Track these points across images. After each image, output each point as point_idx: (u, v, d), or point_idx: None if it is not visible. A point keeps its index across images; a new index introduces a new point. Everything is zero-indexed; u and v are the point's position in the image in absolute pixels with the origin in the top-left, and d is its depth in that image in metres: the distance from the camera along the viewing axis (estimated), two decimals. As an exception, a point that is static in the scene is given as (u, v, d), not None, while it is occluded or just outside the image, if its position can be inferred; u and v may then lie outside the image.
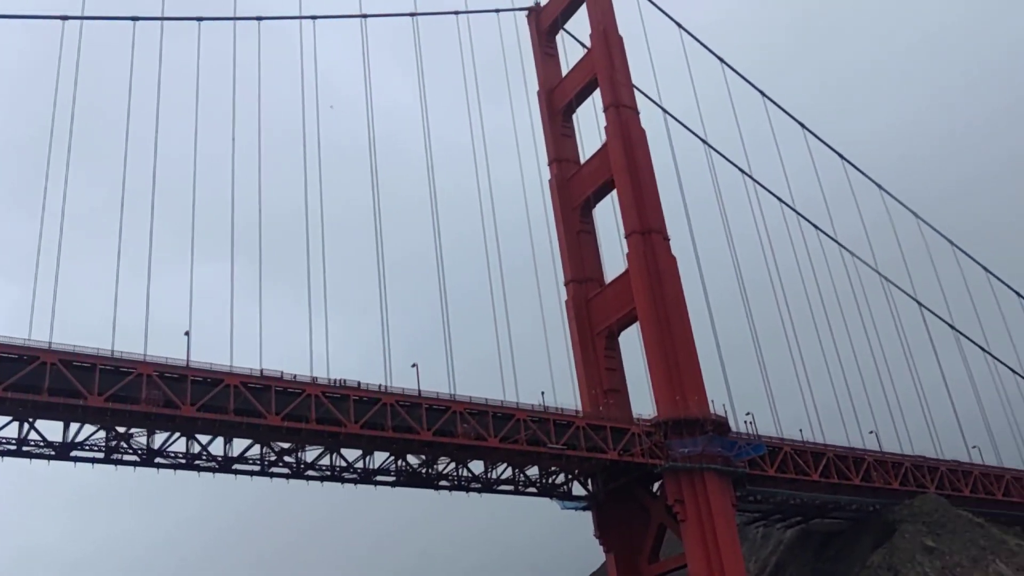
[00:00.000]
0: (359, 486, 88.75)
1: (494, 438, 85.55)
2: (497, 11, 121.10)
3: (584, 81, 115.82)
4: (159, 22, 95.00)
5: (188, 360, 75.81)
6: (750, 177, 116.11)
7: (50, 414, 72.63)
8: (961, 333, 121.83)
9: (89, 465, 77.82)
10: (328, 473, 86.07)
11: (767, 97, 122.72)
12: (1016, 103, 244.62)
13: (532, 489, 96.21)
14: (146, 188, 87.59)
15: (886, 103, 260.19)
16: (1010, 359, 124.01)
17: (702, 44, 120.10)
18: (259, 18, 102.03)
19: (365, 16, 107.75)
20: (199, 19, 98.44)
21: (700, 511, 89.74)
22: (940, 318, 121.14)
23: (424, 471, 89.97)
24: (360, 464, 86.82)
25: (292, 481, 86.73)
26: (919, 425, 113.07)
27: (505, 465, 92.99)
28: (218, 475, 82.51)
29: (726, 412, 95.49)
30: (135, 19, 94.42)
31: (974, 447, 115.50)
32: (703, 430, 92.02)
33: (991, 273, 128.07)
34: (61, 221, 77.53)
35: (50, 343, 71.66)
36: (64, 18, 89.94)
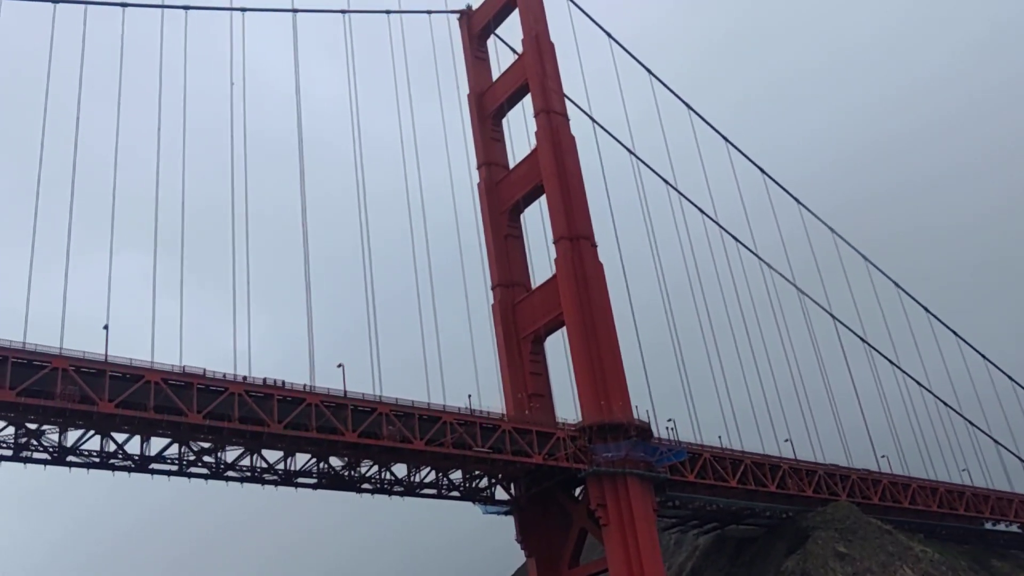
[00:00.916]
0: (280, 488, 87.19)
1: (420, 440, 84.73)
2: (429, 12, 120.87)
3: (515, 86, 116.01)
4: (81, 6, 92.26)
5: (106, 355, 73.23)
6: (674, 189, 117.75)
7: (-44, 408, 69.38)
8: (872, 347, 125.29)
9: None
10: (248, 474, 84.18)
11: (692, 109, 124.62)
12: (927, 120, 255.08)
13: (455, 493, 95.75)
14: (61, 176, 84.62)
15: (809, 115, 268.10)
16: (917, 371, 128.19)
17: (630, 54, 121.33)
18: (186, 7, 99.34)
19: (296, 11, 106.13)
20: (123, 4, 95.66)
21: (622, 516, 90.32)
22: (852, 331, 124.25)
23: (346, 474, 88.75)
24: (281, 466, 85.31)
25: (210, 482, 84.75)
26: (831, 434, 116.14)
27: (428, 468, 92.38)
28: (127, 474, 79.84)
29: (648, 418, 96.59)
30: (56, 1, 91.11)
31: (883, 456, 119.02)
32: (627, 435, 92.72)
33: (901, 288, 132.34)
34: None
35: (-43, 334, 68.67)
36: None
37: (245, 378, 78.51)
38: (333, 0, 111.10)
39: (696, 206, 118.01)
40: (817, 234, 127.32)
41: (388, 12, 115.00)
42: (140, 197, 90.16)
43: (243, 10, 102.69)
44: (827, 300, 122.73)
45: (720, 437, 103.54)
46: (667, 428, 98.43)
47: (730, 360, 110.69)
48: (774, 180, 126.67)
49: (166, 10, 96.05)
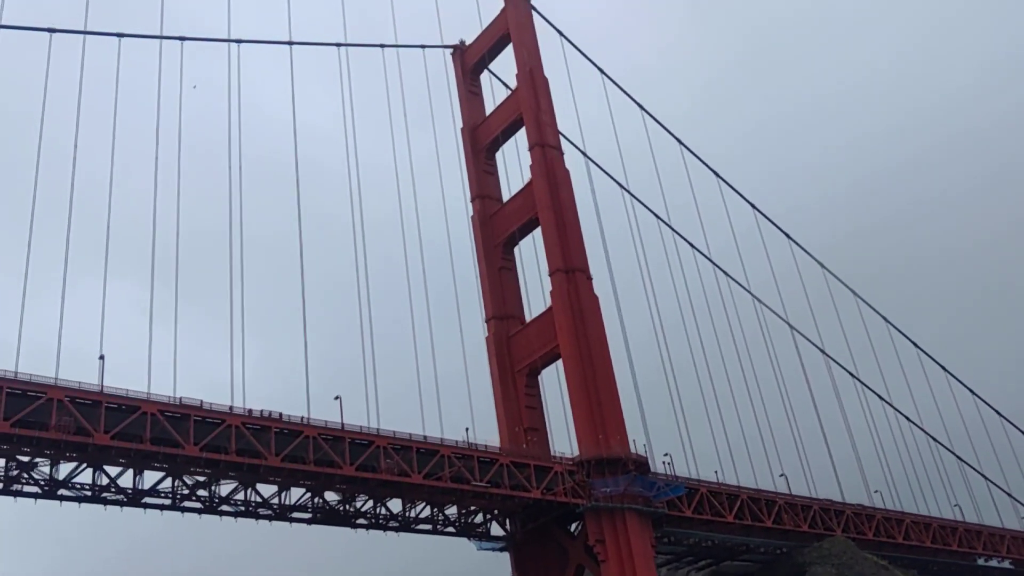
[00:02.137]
0: (273, 523, 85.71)
1: (418, 474, 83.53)
2: (423, 47, 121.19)
3: (509, 120, 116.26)
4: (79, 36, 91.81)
5: (102, 385, 71.83)
6: (667, 225, 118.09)
7: (-53, 440, 67.68)
8: (863, 383, 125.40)
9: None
10: (243, 509, 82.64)
11: (683, 145, 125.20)
12: (917, 153, 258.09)
13: (450, 529, 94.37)
14: (54, 204, 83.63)
15: (801, 151, 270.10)
16: (907, 406, 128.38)
17: (623, 90, 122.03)
18: (182, 38, 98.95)
19: (292, 43, 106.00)
20: (119, 35, 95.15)
21: (621, 552, 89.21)
22: (844, 368, 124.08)
23: (342, 508, 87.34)
24: (276, 500, 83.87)
25: (202, 515, 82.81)
26: (823, 469, 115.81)
27: (424, 504, 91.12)
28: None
29: (645, 452, 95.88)
30: (52, 31, 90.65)
31: (876, 492, 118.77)
32: (625, 469, 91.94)
33: (891, 324, 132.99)
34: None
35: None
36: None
37: (250, 411, 77.19)
38: (329, 33, 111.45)
39: (688, 242, 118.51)
40: (808, 269, 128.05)
41: (383, 46, 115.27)
42: (133, 226, 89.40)
43: (239, 41, 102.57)
44: (819, 336, 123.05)
45: (716, 472, 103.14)
46: (663, 463, 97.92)
47: (723, 395, 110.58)
48: (765, 216, 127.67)
49: (164, 41, 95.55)
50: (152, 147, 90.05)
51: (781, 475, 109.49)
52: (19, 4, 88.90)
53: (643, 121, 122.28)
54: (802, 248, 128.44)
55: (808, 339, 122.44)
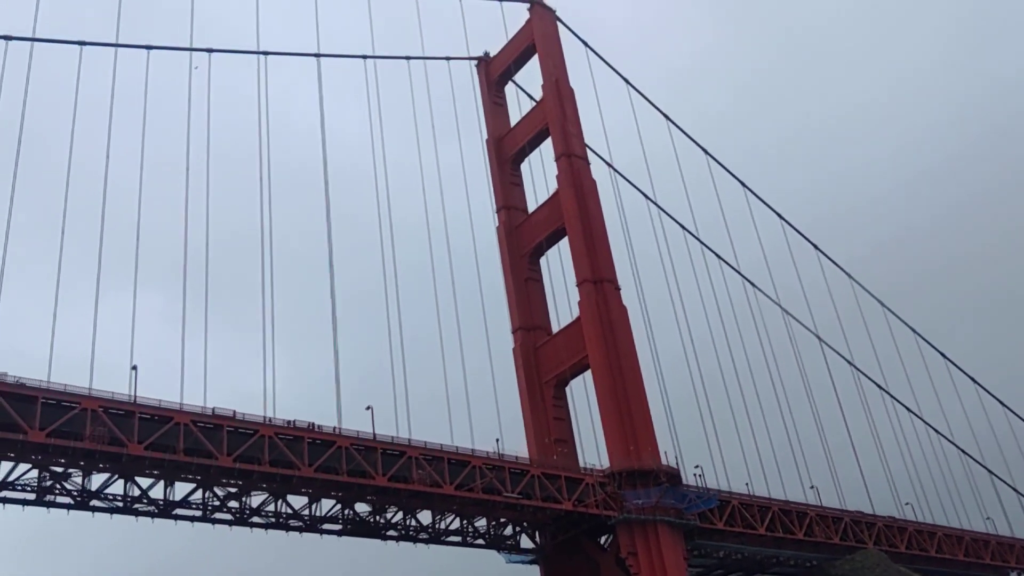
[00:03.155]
0: (304, 535, 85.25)
1: (450, 485, 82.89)
2: (447, 59, 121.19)
3: (534, 131, 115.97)
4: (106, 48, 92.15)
5: (134, 396, 71.52)
6: (695, 237, 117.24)
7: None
8: (893, 396, 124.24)
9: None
10: (273, 520, 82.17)
11: (710, 155, 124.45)
12: (945, 159, 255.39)
13: (480, 541, 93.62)
14: (81, 216, 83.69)
15: (830, 162, 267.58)
16: (937, 417, 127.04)
17: (649, 101, 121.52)
18: (210, 50, 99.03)
19: (320, 56, 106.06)
20: (148, 47, 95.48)
21: (653, 564, 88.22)
22: (873, 381, 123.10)
23: (372, 520, 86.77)
24: (306, 512, 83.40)
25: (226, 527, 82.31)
26: (853, 480, 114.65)
27: (454, 516, 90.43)
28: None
29: (677, 464, 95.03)
30: (82, 44, 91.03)
31: (907, 504, 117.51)
32: (657, 481, 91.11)
33: (919, 335, 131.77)
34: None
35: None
36: (8, 38, 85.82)
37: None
38: (357, 44, 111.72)
39: (716, 254, 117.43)
40: (837, 281, 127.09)
41: (408, 58, 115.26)
42: (161, 236, 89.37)
43: (265, 53, 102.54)
44: (848, 348, 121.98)
45: (747, 484, 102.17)
46: (695, 475, 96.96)
47: (752, 407, 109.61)
48: (794, 227, 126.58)
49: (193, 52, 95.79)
50: (182, 158, 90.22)
51: (812, 487, 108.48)
52: (51, 17, 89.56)
53: (669, 132, 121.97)
54: (831, 260, 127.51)
55: (837, 351, 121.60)
